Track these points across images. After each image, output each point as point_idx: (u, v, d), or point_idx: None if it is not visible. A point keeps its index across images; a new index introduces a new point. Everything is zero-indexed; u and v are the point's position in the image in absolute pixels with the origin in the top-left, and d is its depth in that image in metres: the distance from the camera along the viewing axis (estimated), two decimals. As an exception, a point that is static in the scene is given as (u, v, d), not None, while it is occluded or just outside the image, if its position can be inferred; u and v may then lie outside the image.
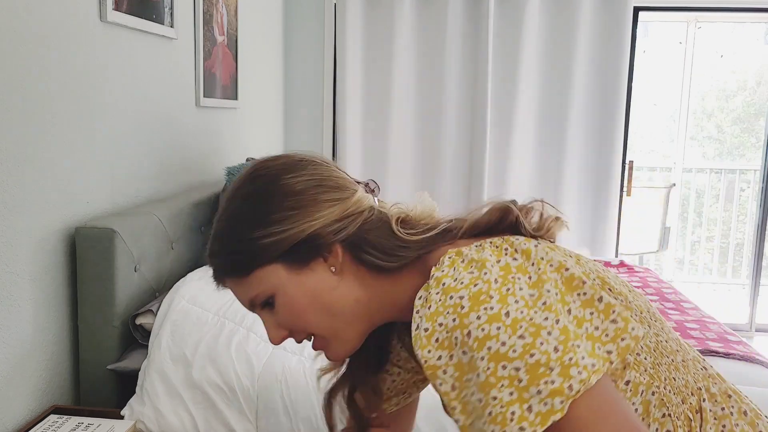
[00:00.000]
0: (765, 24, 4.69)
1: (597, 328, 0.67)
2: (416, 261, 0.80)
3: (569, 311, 0.67)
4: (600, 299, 0.68)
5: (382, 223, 0.83)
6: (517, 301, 0.65)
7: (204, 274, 1.99)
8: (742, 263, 5.13)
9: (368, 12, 3.62)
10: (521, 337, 0.63)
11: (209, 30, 2.56)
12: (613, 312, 0.67)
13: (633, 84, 3.63)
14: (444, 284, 0.70)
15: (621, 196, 3.67)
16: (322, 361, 0.95)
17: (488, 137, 3.59)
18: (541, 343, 0.62)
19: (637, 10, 3.56)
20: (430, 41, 3.61)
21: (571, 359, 0.62)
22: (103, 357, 1.72)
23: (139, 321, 1.78)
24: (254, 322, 1.86)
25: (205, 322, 1.79)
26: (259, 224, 0.78)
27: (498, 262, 0.71)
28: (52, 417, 1.57)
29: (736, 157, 5.41)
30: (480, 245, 0.76)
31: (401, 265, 0.80)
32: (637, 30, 3.59)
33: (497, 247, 0.75)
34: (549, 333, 0.63)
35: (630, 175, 3.77)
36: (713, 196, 5.22)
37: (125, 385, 1.76)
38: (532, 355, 0.62)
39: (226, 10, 2.74)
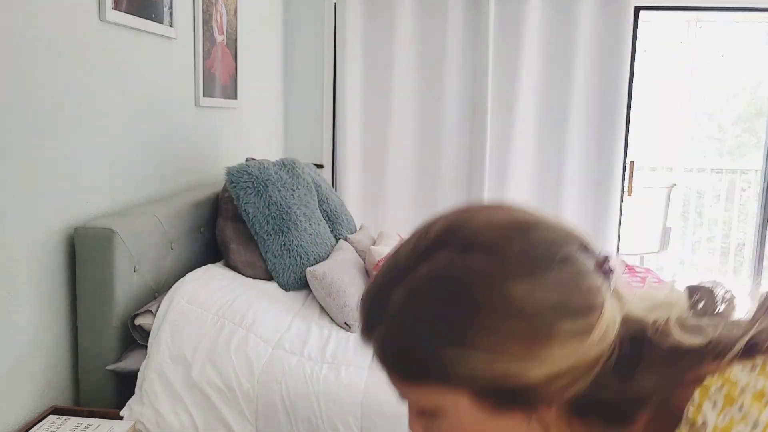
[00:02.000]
0: (766, 24, 4.69)
1: None
2: None
3: None
4: None
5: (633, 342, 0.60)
6: None
7: (204, 274, 1.99)
8: (743, 263, 5.12)
9: (368, 12, 3.62)
10: None
11: (209, 29, 2.55)
12: None
13: (634, 84, 3.62)
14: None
15: (622, 196, 3.67)
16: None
17: (488, 137, 3.58)
18: None
19: (637, 9, 3.56)
20: (430, 41, 3.60)
21: None
22: (102, 357, 1.72)
23: (139, 321, 1.77)
24: (254, 322, 1.86)
25: (204, 323, 1.78)
26: (457, 342, 0.57)
27: None
28: (52, 417, 1.57)
29: (737, 157, 5.40)
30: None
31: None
32: (638, 29, 3.59)
33: None
34: None
35: (631, 175, 3.76)
36: (714, 196, 5.21)
37: (124, 386, 1.75)
38: None
39: (225, 10, 2.73)
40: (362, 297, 0.67)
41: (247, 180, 2.19)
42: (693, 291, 0.66)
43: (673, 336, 0.60)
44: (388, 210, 3.72)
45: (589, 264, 0.60)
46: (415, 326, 0.59)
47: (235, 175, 2.19)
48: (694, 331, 0.61)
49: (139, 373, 1.72)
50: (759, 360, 0.57)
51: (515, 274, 0.57)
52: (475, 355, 0.56)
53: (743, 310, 0.65)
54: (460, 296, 0.57)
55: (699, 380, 0.57)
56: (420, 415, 0.64)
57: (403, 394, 0.64)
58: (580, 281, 0.58)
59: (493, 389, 0.57)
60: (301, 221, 2.27)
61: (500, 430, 0.59)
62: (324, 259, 2.30)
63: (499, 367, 0.55)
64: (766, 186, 3.83)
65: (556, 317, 0.56)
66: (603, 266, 0.61)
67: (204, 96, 2.52)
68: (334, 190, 3.26)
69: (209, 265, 2.14)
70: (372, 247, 2.40)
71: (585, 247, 0.62)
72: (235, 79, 2.88)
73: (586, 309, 0.57)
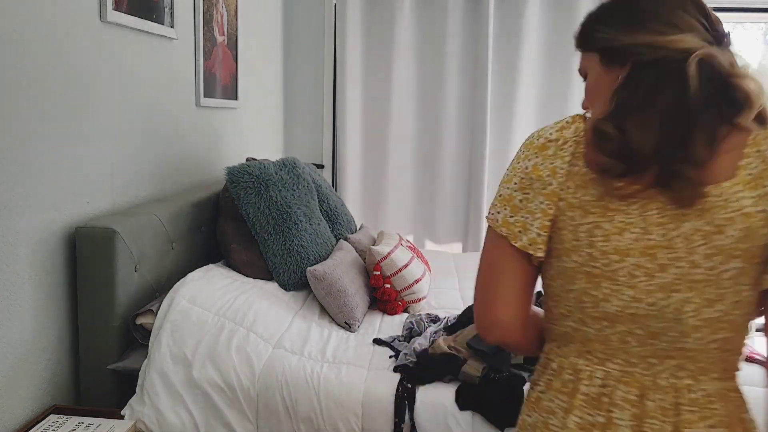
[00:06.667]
0: (765, 24, 4.69)
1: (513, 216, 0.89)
2: None
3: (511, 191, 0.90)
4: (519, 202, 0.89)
5: (677, 72, 0.85)
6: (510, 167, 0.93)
7: (204, 274, 1.99)
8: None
9: (368, 12, 3.62)
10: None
11: (209, 30, 2.56)
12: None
13: (633, 84, 3.62)
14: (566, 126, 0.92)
15: (621, 196, 3.67)
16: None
17: (488, 137, 3.59)
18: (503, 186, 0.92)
19: (637, 10, 3.56)
20: (430, 41, 3.61)
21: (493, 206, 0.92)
22: (103, 357, 1.72)
23: (140, 321, 1.78)
24: (254, 321, 1.86)
25: (205, 322, 1.78)
26: (604, 22, 0.94)
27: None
28: (53, 417, 1.57)
29: (736, 157, 5.40)
30: None
31: None
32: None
33: None
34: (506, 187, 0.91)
35: (630, 175, 3.76)
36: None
37: (125, 385, 1.76)
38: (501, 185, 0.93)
39: (226, 10, 2.74)
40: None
41: (247, 180, 2.19)
42: None
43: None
44: (388, 210, 3.73)
45: (681, 16, 0.90)
46: (595, 15, 0.96)
47: (235, 175, 2.20)
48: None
49: (140, 373, 1.72)
50: None
51: None
52: (607, 30, 0.92)
53: None
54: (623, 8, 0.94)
55: None
56: (585, 80, 1.00)
57: (581, 65, 1.01)
58: (677, 11, 0.90)
59: (607, 49, 0.92)
60: (301, 221, 2.27)
61: (603, 80, 0.93)
62: (324, 259, 2.30)
63: (612, 37, 0.91)
64: (765, 186, 3.83)
65: (654, 16, 0.89)
66: (718, 33, 0.93)
67: (204, 96, 2.52)
68: (334, 190, 3.27)
69: (210, 264, 2.15)
70: (372, 247, 2.41)
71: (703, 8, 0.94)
72: (236, 80, 2.89)
73: (668, 23, 0.88)
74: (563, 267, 0.88)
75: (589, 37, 0.97)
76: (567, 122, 0.89)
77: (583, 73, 1.01)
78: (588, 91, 0.99)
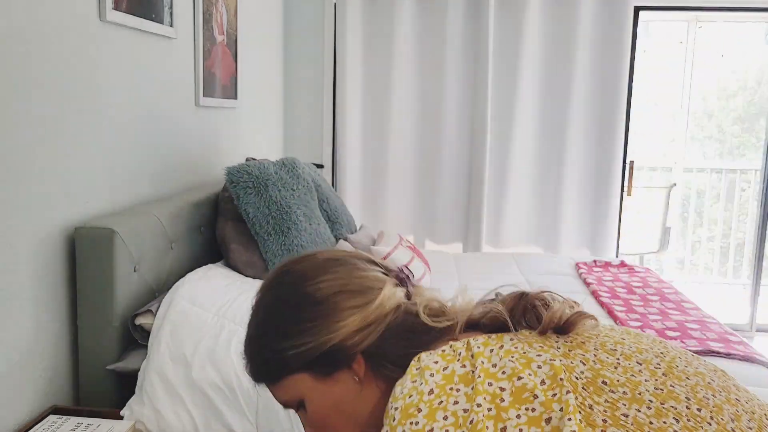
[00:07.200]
0: (766, 24, 4.69)
1: None
2: None
3: (503, 429, 0.62)
4: (548, 420, 0.62)
5: (407, 320, 0.82)
6: (445, 417, 0.63)
7: (204, 274, 1.99)
8: (742, 263, 5.12)
9: (368, 12, 3.62)
10: None
11: (209, 29, 2.55)
12: None
13: (633, 84, 3.63)
14: (394, 392, 0.70)
15: (621, 196, 3.67)
16: None
17: (488, 137, 3.59)
18: None
19: (637, 9, 3.56)
20: (430, 41, 3.60)
21: None
22: (102, 357, 1.72)
23: (139, 321, 1.78)
24: (254, 322, 1.86)
25: (204, 323, 1.78)
26: (282, 336, 0.80)
27: (444, 369, 0.69)
28: (52, 417, 1.57)
29: (736, 156, 5.39)
30: (443, 349, 0.73)
31: None
32: (638, 29, 3.59)
33: (454, 351, 0.72)
34: None
35: (630, 174, 3.77)
36: (714, 196, 5.21)
37: (125, 386, 1.75)
38: None
39: (225, 10, 2.73)
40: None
41: (247, 180, 2.19)
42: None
43: (420, 317, 0.82)
44: (388, 210, 3.72)
45: (365, 265, 0.85)
46: (259, 338, 0.83)
47: (235, 175, 2.19)
48: (435, 316, 0.83)
49: (139, 373, 1.72)
50: (449, 343, 0.75)
51: (306, 278, 0.82)
52: (296, 341, 0.79)
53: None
54: (277, 306, 0.82)
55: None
56: (302, 414, 0.84)
57: (277, 398, 0.84)
58: (355, 273, 0.83)
59: (317, 360, 0.78)
60: (301, 221, 2.27)
61: (339, 391, 0.79)
62: (324, 259, 2.30)
63: (312, 344, 0.78)
64: (765, 186, 3.84)
65: (338, 298, 0.80)
66: (398, 274, 0.88)
67: (204, 96, 2.52)
68: (334, 190, 3.26)
69: (209, 264, 2.14)
70: (372, 247, 2.41)
71: (371, 261, 0.88)
72: (235, 79, 2.89)
73: (364, 290, 0.81)
74: None
75: (278, 365, 0.80)
76: (463, 355, 0.72)
77: (294, 403, 0.83)
78: (320, 417, 0.80)
